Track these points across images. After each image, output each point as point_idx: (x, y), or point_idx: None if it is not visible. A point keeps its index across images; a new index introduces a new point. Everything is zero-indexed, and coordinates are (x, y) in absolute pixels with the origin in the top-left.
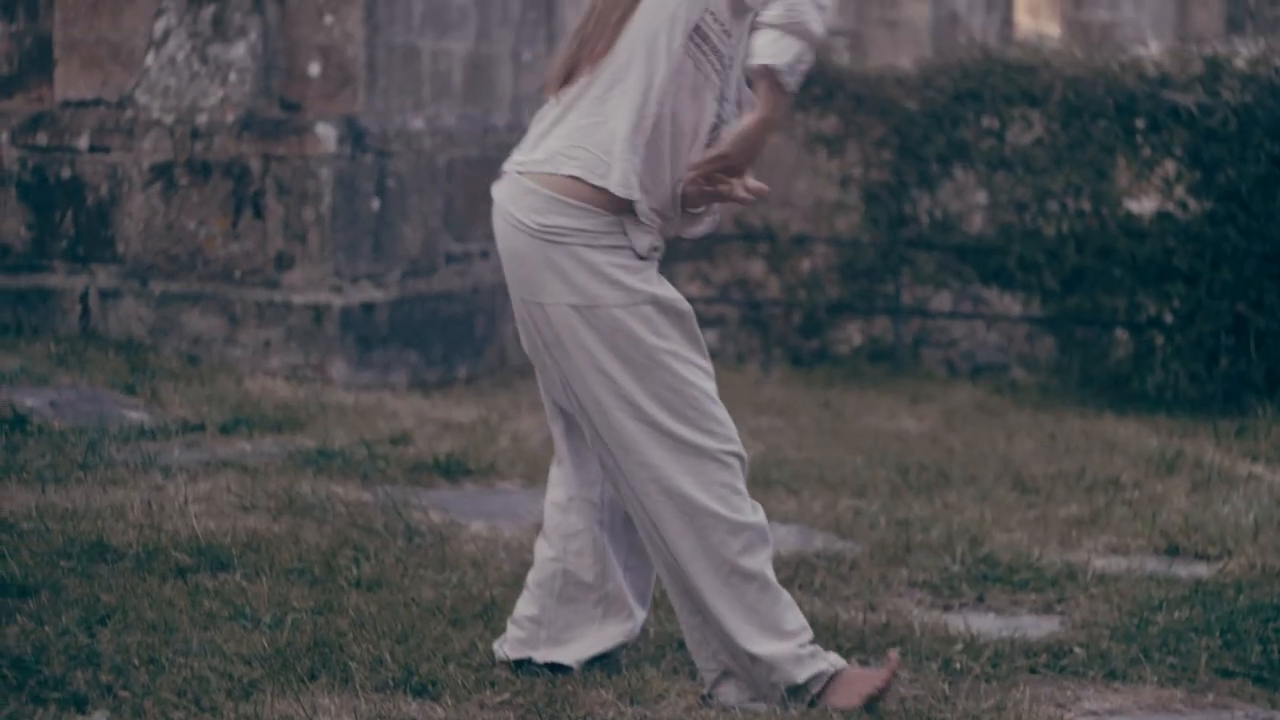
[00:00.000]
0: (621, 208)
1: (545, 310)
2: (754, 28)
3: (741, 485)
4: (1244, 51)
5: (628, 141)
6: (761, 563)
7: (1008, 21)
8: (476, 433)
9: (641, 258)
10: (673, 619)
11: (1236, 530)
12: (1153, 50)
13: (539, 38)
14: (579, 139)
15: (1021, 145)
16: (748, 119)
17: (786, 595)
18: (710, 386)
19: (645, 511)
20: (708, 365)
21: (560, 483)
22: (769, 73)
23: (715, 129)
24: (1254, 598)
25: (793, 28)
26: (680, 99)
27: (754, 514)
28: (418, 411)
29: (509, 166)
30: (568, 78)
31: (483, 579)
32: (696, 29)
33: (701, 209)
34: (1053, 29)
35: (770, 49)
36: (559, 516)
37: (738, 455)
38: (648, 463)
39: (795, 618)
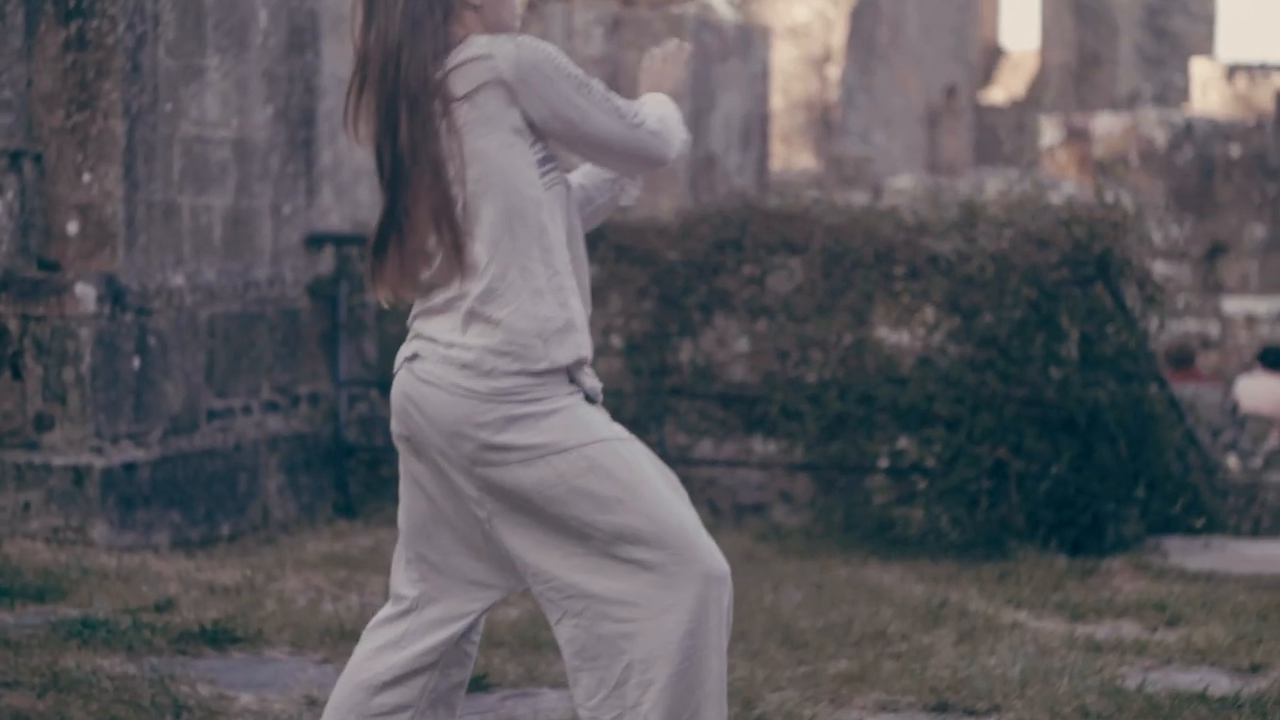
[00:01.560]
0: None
1: (511, 471)
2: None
3: (726, 611)
4: (993, 184)
5: (545, 310)
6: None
7: (763, 156)
8: (242, 596)
9: (592, 401)
10: None
11: (1004, 683)
12: (906, 183)
13: (299, 190)
14: (509, 334)
15: (783, 293)
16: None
17: None
18: (689, 513)
19: (619, 651)
20: (681, 491)
21: (378, 659)
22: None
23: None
24: None
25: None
26: (558, 224)
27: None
28: (182, 574)
29: (434, 349)
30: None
31: None
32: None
33: None
34: (807, 160)
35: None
36: (361, 695)
37: (724, 581)
38: (624, 602)
39: None
